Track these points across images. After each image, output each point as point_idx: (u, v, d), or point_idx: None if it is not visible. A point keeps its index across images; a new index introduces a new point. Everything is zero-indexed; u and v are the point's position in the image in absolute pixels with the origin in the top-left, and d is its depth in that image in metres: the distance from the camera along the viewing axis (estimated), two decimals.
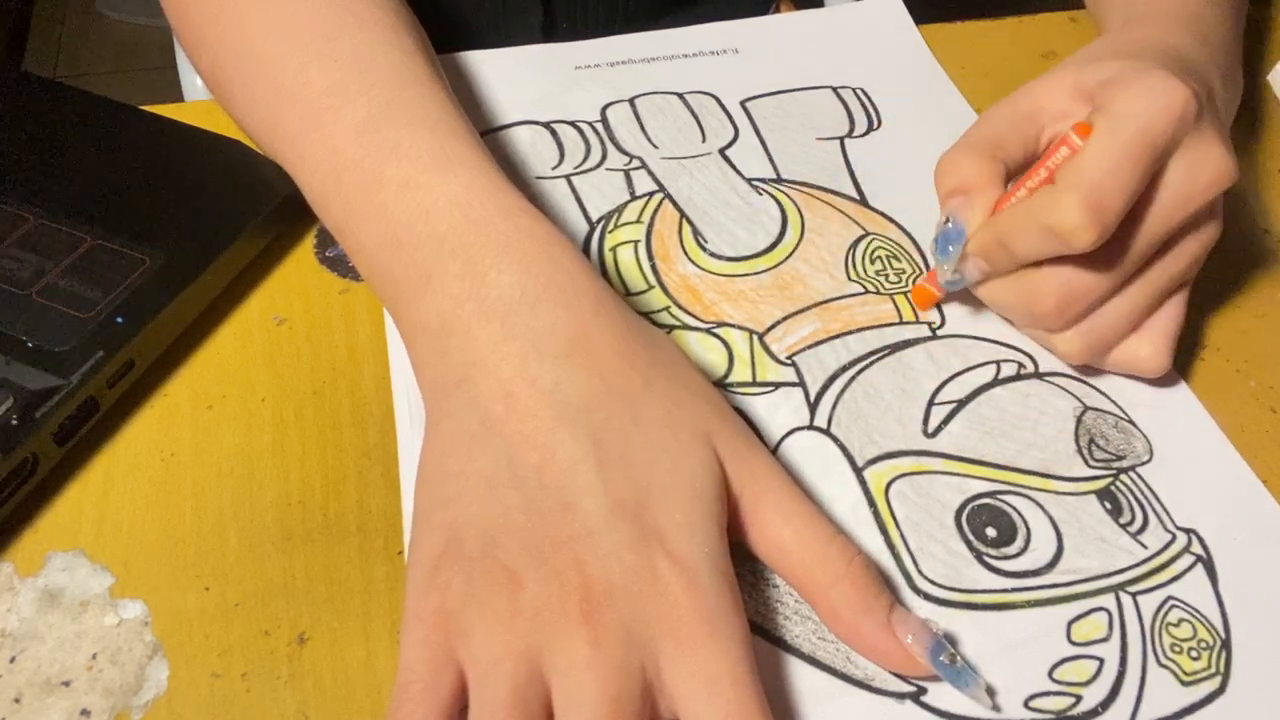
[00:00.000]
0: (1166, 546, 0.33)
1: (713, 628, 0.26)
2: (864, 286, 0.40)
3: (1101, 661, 0.30)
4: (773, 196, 0.43)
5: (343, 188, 0.34)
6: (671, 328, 0.38)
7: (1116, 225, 0.32)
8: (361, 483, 0.34)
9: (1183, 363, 0.39)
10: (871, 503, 0.34)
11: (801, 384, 0.37)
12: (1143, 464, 0.35)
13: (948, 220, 0.36)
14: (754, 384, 0.37)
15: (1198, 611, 0.32)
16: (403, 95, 0.35)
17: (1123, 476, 0.35)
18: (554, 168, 0.44)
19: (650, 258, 0.41)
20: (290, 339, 0.38)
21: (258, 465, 0.34)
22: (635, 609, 0.26)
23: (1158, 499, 0.34)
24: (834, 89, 0.48)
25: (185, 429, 0.35)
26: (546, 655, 0.26)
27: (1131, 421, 0.36)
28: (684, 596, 0.27)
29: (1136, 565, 0.33)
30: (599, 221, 0.42)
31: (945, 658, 0.29)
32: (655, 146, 0.45)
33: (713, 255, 0.41)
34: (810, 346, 0.38)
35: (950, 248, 0.36)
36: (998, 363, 0.38)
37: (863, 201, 0.43)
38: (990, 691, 0.29)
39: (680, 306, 0.39)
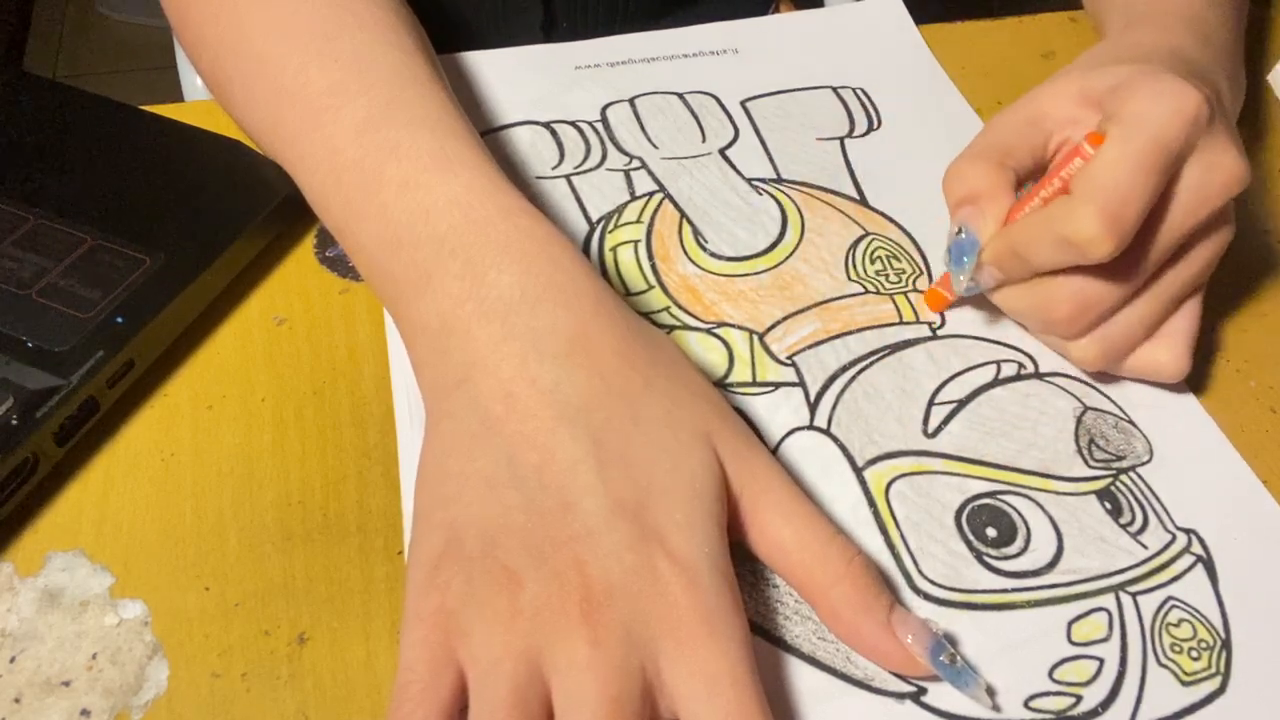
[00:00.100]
0: (1166, 547, 0.33)
1: (713, 628, 0.26)
2: (864, 286, 0.40)
3: (1101, 661, 0.30)
4: (773, 196, 0.43)
5: (343, 188, 0.34)
6: (671, 328, 0.38)
7: (1134, 234, 0.32)
8: (361, 483, 0.34)
9: None
10: (871, 503, 0.34)
11: (801, 384, 0.37)
12: (1143, 464, 0.35)
13: (960, 230, 0.36)
14: (754, 384, 0.37)
15: (1198, 611, 0.32)
16: (403, 95, 0.35)
17: (1123, 477, 0.35)
18: (554, 168, 0.44)
19: (650, 258, 0.41)
20: (290, 339, 0.38)
21: (258, 465, 0.34)
22: (635, 609, 0.26)
23: (1158, 499, 0.34)
24: (834, 89, 0.48)
25: (185, 429, 0.35)
26: (546, 655, 0.26)
27: (1131, 422, 0.36)
28: (684, 596, 0.27)
29: (1136, 565, 0.33)
30: (599, 221, 0.42)
31: (945, 658, 0.29)
32: (655, 146, 0.45)
33: (713, 255, 0.41)
34: (810, 346, 0.38)
35: (965, 259, 0.35)
36: (998, 363, 0.38)
37: (863, 201, 0.43)
38: (990, 691, 0.29)
39: (680, 306, 0.39)
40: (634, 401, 0.29)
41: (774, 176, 0.44)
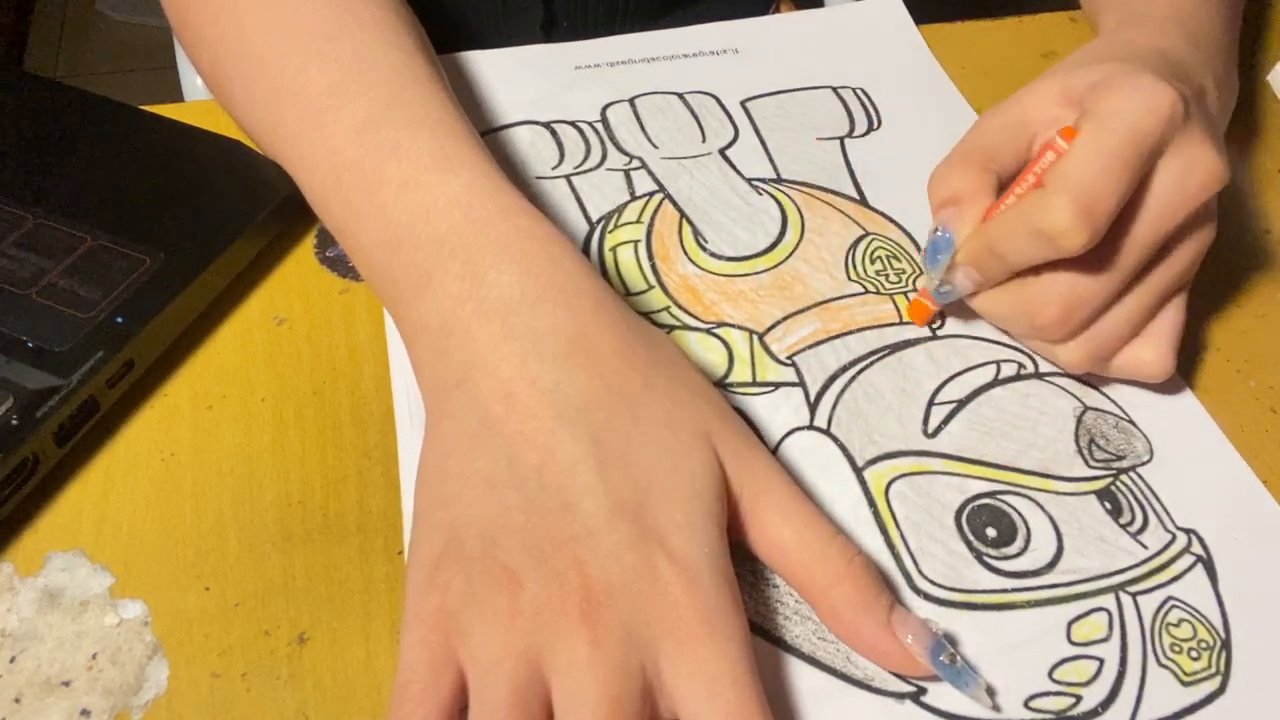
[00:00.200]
0: (1166, 546, 0.33)
1: (713, 628, 0.26)
2: (864, 286, 0.40)
3: (1101, 661, 0.30)
4: (773, 196, 0.43)
5: (343, 188, 0.34)
6: (671, 328, 0.38)
7: (1107, 226, 0.32)
8: (361, 483, 0.34)
9: (1183, 363, 0.38)
10: (871, 503, 0.34)
11: (801, 384, 0.37)
12: (1143, 464, 0.35)
13: (938, 230, 0.36)
14: (754, 384, 0.37)
15: (1198, 611, 0.32)
16: (403, 95, 0.35)
17: (1123, 476, 0.35)
18: (554, 168, 0.44)
19: (650, 258, 0.41)
20: (290, 339, 0.38)
21: (258, 465, 0.34)
22: (635, 609, 0.26)
23: (1158, 499, 0.34)
24: (834, 89, 0.48)
25: (185, 429, 0.35)
26: (546, 655, 0.26)
27: (1131, 421, 0.36)
28: (684, 596, 0.27)
29: (1136, 565, 0.33)
30: (599, 221, 0.42)
31: (945, 658, 0.29)
32: (655, 146, 0.45)
33: (713, 255, 0.41)
34: (810, 346, 0.38)
35: (939, 257, 0.36)
36: (998, 363, 0.38)
37: (863, 201, 0.43)
38: (990, 691, 0.29)
39: (680, 306, 0.39)
40: (634, 401, 0.29)
41: (774, 176, 0.44)
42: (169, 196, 0.39)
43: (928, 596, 0.32)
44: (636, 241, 0.41)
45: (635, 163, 0.44)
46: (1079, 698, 0.30)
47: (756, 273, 0.40)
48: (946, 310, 0.39)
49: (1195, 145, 0.33)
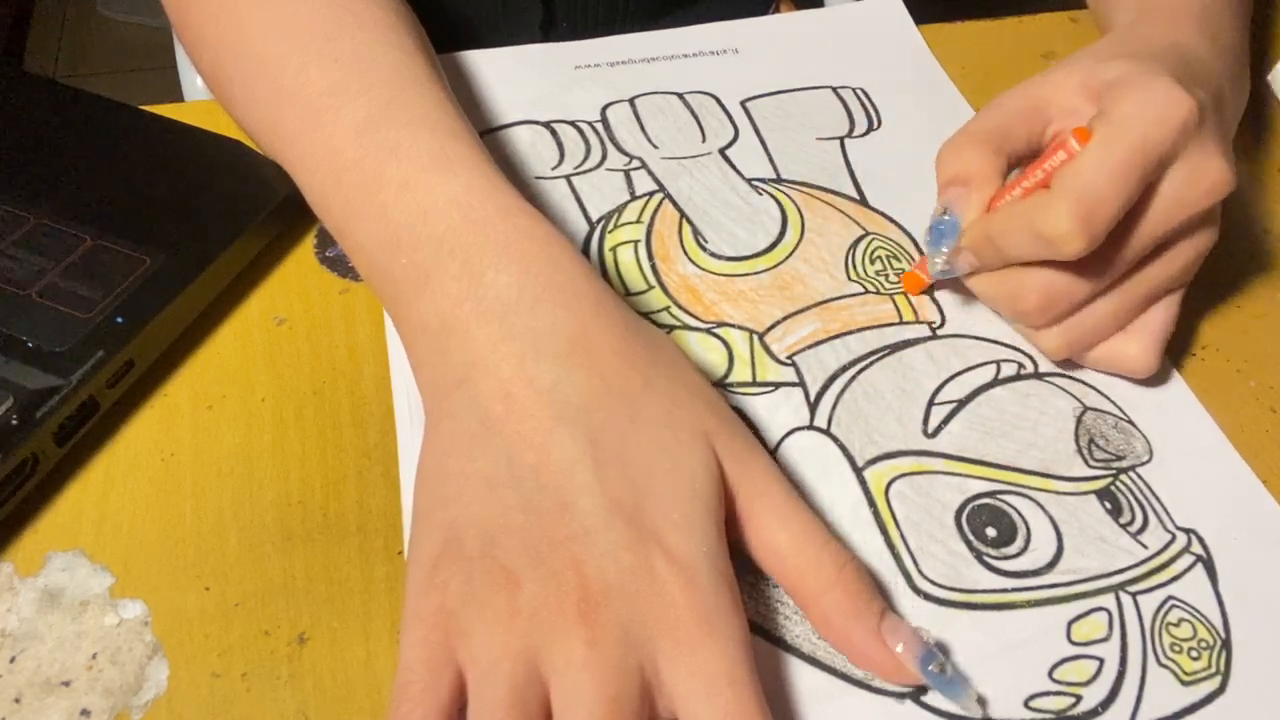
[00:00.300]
0: (1166, 546, 0.33)
1: (711, 627, 0.26)
2: (864, 286, 0.40)
3: (1101, 661, 0.30)
4: (773, 196, 0.43)
5: (342, 188, 0.34)
6: (671, 328, 0.38)
7: (1106, 235, 0.32)
8: (361, 483, 0.34)
9: (1183, 363, 0.39)
10: (871, 503, 0.34)
11: (801, 384, 0.37)
12: (1143, 464, 0.35)
13: (945, 211, 0.36)
14: (754, 384, 0.37)
15: (1198, 611, 0.32)
16: (403, 95, 0.35)
17: (1123, 476, 0.35)
18: (554, 168, 0.44)
19: (650, 258, 0.41)
20: (290, 339, 0.38)
21: (258, 465, 0.34)
22: (633, 609, 0.26)
23: (1158, 499, 0.34)
24: (834, 89, 0.48)
25: (185, 429, 0.35)
26: (544, 655, 0.26)
27: (1131, 421, 0.36)
28: (682, 596, 0.27)
29: (1136, 565, 0.33)
30: (599, 221, 0.42)
31: (935, 667, 0.28)
32: (655, 146, 0.45)
33: (713, 255, 0.41)
34: (810, 346, 0.38)
35: (944, 241, 0.36)
36: (998, 363, 0.38)
37: (863, 201, 0.43)
38: (981, 701, 0.29)
39: (680, 306, 0.39)
40: (633, 401, 0.29)
41: (774, 176, 0.44)
42: (169, 196, 0.39)
43: (928, 596, 0.32)
44: (636, 241, 0.41)
45: (635, 163, 0.44)
46: (1079, 697, 0.30)
47: (756, 273, 0.40)
48: (948, 308, 0.39)
49: (1205, 153, 0.33)
